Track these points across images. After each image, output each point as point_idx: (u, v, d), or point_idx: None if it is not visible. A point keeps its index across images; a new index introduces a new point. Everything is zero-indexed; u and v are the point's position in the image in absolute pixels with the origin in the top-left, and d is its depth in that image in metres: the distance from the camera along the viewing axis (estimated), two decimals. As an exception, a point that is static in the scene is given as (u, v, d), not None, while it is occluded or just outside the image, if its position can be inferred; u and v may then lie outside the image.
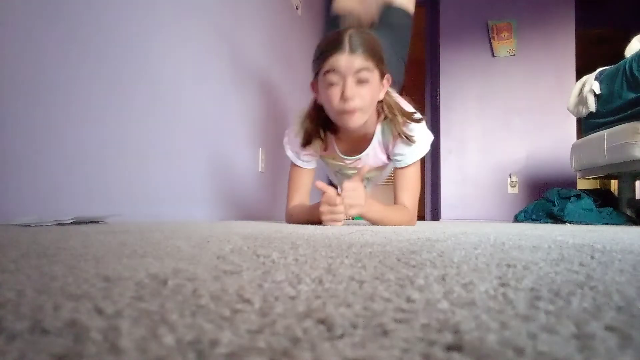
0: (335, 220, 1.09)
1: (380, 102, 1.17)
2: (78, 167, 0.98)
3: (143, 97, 1.21)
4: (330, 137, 1.26)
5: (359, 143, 1.26)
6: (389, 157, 1.29)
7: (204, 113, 1.57)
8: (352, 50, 1.05)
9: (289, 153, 1.29)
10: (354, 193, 1.07)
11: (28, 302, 0.19)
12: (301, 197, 1.28)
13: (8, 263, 0.31)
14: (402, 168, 1.23)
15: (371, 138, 1.24)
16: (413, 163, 1.22)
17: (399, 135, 1.18)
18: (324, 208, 1.08)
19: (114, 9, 1.09)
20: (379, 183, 1.58)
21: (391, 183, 1.31)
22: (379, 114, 1.21)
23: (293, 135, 1.26)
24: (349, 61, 1.05)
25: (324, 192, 1.09)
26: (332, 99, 1.08)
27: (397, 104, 1.20)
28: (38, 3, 0.88)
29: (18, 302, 0.19)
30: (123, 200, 1.11)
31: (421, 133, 1.21)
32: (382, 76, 1.13)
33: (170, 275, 0.27)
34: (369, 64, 1.07)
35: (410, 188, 1.23)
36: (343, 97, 1.06)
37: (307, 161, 1.28)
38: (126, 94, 1.14)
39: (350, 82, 1.06)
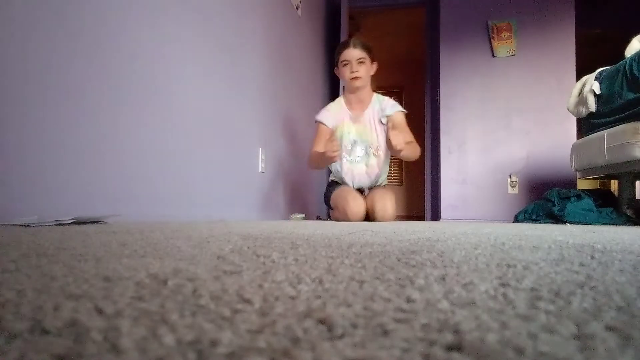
0: (334, 152, 1.73)
1: (372, 85, 2.08)
2: (78, 167, 0.98)
3: (143, 97, 1.21)
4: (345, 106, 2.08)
5: (361, 107, 2.05)
6: (380, 121, 2.02)
7: (204, 113, 1.57)
8: (355, 46, 1.99)
9: (317, 117, 2.07)
10: (400, 135, 1.78)
11: (28, 302, 0.19)
12: (319, 147, 1.95)
13: (8, 263, 0.31)
14: (396, 119, 1.96)
15: (368, 104, 2.05)
16: (400, 112, 2.01)
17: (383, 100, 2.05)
18: (327, 146, 1.75)
19: (112, 9, 1.09)
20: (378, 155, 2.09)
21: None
22: (373, 91, 2.09)
23: (322, 111, 2.10)
24: (353, 52, 1.98)
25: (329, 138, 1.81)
26: (345, 74, 2.00)
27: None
28: (38, 5, 0.88)
29: (18, 302, 0.19)
30: (123, 200, 1.11)
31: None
32: (372, 61, 2.04)
33: (170, 275, 0.27)
34: (364, 54, 1.99)
35: (407, 130, 1.98)
36: (351, 70, 1.97)
37: (326, 118, 2.05)
38: (126, 94, 1.14)
39: (355, 63, 1.98)
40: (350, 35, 4.43)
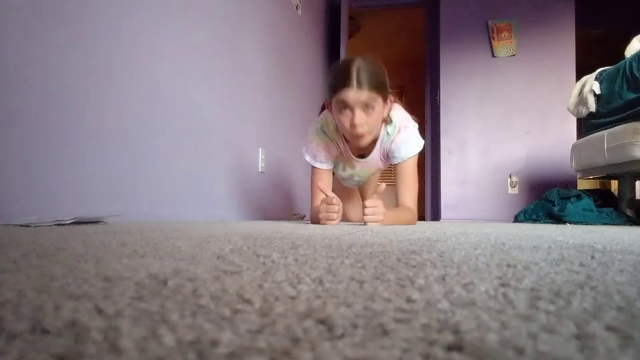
0: (329, 220, 1.23)
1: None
2: (78, 167, 0.98)
3: (143, 97, 1.21)
4: (344, 143, 1.44)
5: (366, 149, 1.43)
6: (387, 158, 1.47)
7: (204, 113, 1.57)
8: (359, 85, 1.19)
9: (308, 158, 1.45)
10: (375, 209, 1.20)
11: (28, 302, 0.19)
12: (323, 196, 1.34)
13: (8, 263, 0.31)
14: (399, 164, 1.39)
15: (376, 141, 1.41)
16: (408, 159, 1.38)
17: (397, 132, 1.38)
18: (322, 207, 1.24)
19: (114, 9, 1.09)
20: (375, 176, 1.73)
21: (394, 183, 1.44)
22: (384, 122, 1.37)
23: (311, 143, 1.44)
24: (357, 95, 1.20)
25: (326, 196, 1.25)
26: (344, 124, 1.26)
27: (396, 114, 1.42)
28: (38, 3, 0.88)
29: (18, 302, 0.19)
30: (123, 200, 1.11)
31: (413, 133, 1.40)
32: (385, 99, 1.28)
33: (170, 275, 0.27)
34: (374, 94, 1.22)
35: (408, 186, 1.39)
36: (352, 124, 1.23)
37: (324, 162, 1.44)
38: (126, 94, 1.14)
39: (359, 111, 1.22)
40: (350, 35, 4.37)
